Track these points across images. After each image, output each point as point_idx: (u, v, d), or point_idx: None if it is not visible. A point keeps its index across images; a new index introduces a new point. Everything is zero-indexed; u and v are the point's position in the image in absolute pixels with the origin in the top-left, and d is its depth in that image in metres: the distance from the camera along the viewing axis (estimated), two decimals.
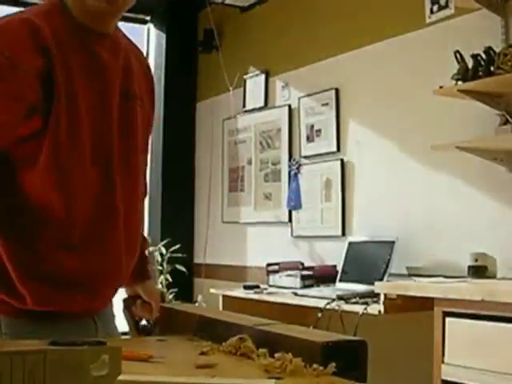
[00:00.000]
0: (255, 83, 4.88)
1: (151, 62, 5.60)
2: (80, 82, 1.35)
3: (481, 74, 3.02)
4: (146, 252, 1.71)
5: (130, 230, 1.48)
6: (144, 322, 1.66)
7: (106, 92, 1.41)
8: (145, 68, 1.60)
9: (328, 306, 3.18)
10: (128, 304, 1.66)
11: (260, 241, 4.74)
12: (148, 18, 5.60)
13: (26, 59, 1.27)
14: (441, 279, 2.93)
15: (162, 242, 5.03)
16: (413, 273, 3.46)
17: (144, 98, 1.53)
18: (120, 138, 1.43)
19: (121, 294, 1.65)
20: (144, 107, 1.53)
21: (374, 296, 3.02)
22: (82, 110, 1.35)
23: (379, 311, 2.89)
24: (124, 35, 1.54)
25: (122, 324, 1.63)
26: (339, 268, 3.77)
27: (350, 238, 3.87)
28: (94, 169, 1.38)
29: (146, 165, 1.61)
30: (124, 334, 1.66)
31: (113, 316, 1.58)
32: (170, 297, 4.94)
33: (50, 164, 1.31)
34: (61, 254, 1.35)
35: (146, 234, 5.43)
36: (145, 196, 1.65)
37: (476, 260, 3.02)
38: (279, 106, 4.65)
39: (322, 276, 3.85)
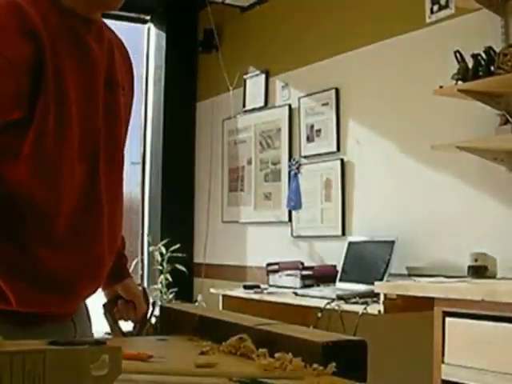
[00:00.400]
0: (255, 83, 4.88)
1: (151, 62, 5.61)
2: (68, 69, 1.31)
3: (481, 73, 3.02)
4: (124, 251, 1.65)
5: (114, 229, 1.45)
6: (129, 328, 1.61)
7: (93, 80, 1.38)
8: (125, 56, 1.56)
9: (328, 306, 3.18)
10: (109, 308, 1.60)
11: (260, 241, 4.74)
12: (148, 17, 5.60)
13: (13, 47, 1.21)
14: (441, 279, 2.93)
15: (162, 242, 5.03)
16: (413, 273, 3.46)
17: (125, 86, 1.50)
18: (105, 129, 1.40)
19: (100, 298, 1.60)
20: (125, 96, 1.50)
21: (373, 296, 3.02)
22: (70, 100, 1.31)
23: (379, 311, 2.89)
24: (104, 22, 1.49)
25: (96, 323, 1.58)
26: (339, 268, 3.77)
27: (350, 238, 3.87)
28: (81, 164, 1.35)
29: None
30: (108, 334, 1.62)
31: (84, 313, 1.53)
32: (170, 296, 4.95)
33: (34, 155, 1.27)
34: (44, 250, 1.32)
35: (145, 233, 5.39)
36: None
37: (476, 260, 3.02)
38: (279, 106, 4.65)
39: (322, 276, 3.85)
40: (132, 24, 5.55)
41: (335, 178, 4.11)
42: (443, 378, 2.47)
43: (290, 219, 4.45)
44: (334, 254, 3.93)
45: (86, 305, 1.54)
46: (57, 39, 1.29)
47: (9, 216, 1.30)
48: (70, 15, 1.34)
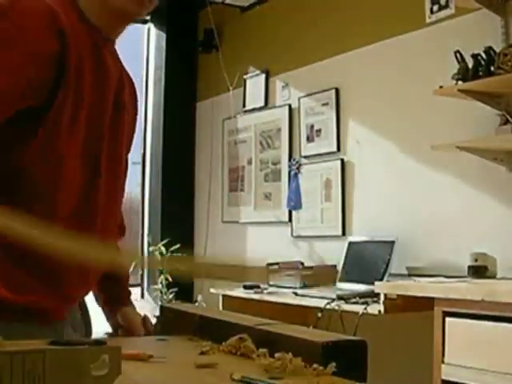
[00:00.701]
0: (255, 83, 4.88)
1: (151, 62, 5.61)
2: (87, 76, 1.35)
3: (481, 73, 3.02)
4: (128, 284, 1.67)
5: (106, 235, 1.47)
6: None
7: (105, 96, 1.42)
8: (132, 87, 1.60)
9: (328, 306, 3.18)
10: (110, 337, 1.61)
11: (260, 241, 4.74)
12: (148, 18, 5.59)
13: (41, 38, 1.27)
14: (441, 279, 2.93)
15: (162, 242, 5.03)
16: (413, 273, 3.46)
17: (130, 112, 1.55)
18: (108, 144, 1.43)
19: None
20: (129, 120, 1.54)
21: (374, 296, 3.02)
22: (84, 103, 1.35)
23: (379, 311, 2.89)
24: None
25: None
26: (339, 268, 3.77)
27: (350, 238, 3.87)
28: (83, 167, 1.38)
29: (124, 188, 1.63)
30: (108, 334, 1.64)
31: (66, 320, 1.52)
32: (170, 296, 4.95)
33: (45, 144, 1.30)
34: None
35: (145, 234, 5.37)
36: (122, 227, 1.66)
37: (476, 260, 3.02)
38: (279, 106, 4.65)
39: (322, 276, 3.85)
40: (132, 24, 5.53)
41: (335, 178, 4.11)
42: (443, 378, 2.47)
43: (290, 219, 4.45)
44: (334, 254, 3.93)
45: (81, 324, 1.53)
46: (80, 47, 1.34)
47: (10, 197, 1.31)
48: (94, 31, 1.40)
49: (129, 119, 1.54)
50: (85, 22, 1.38)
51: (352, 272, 3.66)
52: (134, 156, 5.37)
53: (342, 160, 4.08)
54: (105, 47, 1.43)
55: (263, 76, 4.81)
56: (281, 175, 4.58)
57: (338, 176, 4.08)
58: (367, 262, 3.58)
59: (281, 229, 4.52)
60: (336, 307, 3.15)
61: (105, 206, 1.44)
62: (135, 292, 5.16)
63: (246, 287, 3.87)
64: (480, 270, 2.99)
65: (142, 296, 5.34)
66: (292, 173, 4.43)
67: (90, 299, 1.60)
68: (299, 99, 4.44)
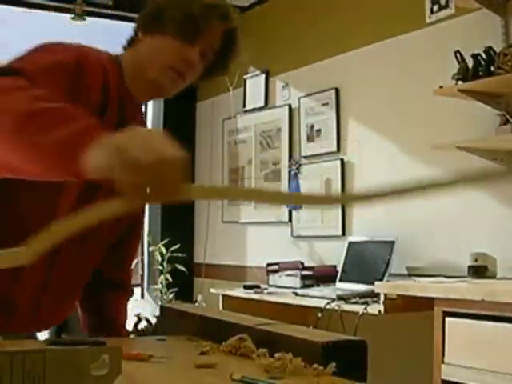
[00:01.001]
0: (255, 83, 4.88)
1: None
2: (109, 125, 1.41)
3: (481, 73, 3.02)
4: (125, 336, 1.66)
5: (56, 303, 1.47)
6: None
7: None
8: None
9: (328, 306, 3.18)
10: None
11: (260, 241, 4.74)
12: None
13: (94, 90, 1.38)
14: (441, 279, 2.93)
15: (162, 242, 5.03)
16: (413, 273, 3.46)
17: None
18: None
19: None
20: None
21: (374, 296, 3.02)
22: None
23: (379, 311, 2.89)
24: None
25: None
26: (339, 268, 3.77)
27: (350, 238, 3.87)
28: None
29: (132, 253, 1.65)
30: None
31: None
32: (170, 296, 4.95)
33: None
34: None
35: (145, 234, 5.36)
36: (128, 291, 1.67)
37: (476, 260, 3.02)
38: (279, 106, 4.65)
39: (322, 276, 3.85)
40: (132, 24, 5.53)
41: (335, 178, 4.11)
42: (443, 378, 2.47)
43: (290, 219, 4.45)
44: (333, 254, 3.93)
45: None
46: (114, 100, 1.43)
47: None
48: (126, 93, 1.48)
49: None
50: (121, 79, 1.47)
51: (352, 272, 3.66)
52: None
53: (342, 160, 4.07)
54: (130, 110, 1.49)
55: (263, 76, 4.81)
56: (281, 175, 4.58)
57: (338, 176, 4.08)
58: (367, 262, 3.58)
59: (281, 229, 4.52)
60: (336, 307, 3.15)
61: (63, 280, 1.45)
62: (135, 292, 5.16)
63: (246, 287, 3.87)
64: (480, 270, 2.99)
65: (142, 296, 5.34)
66: (292, 173, 4.43)
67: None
68: (299, 99, 4.44)
